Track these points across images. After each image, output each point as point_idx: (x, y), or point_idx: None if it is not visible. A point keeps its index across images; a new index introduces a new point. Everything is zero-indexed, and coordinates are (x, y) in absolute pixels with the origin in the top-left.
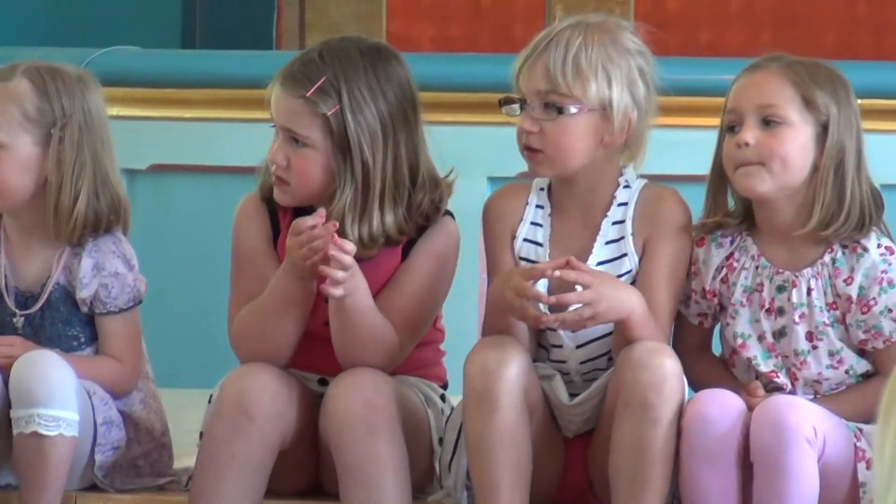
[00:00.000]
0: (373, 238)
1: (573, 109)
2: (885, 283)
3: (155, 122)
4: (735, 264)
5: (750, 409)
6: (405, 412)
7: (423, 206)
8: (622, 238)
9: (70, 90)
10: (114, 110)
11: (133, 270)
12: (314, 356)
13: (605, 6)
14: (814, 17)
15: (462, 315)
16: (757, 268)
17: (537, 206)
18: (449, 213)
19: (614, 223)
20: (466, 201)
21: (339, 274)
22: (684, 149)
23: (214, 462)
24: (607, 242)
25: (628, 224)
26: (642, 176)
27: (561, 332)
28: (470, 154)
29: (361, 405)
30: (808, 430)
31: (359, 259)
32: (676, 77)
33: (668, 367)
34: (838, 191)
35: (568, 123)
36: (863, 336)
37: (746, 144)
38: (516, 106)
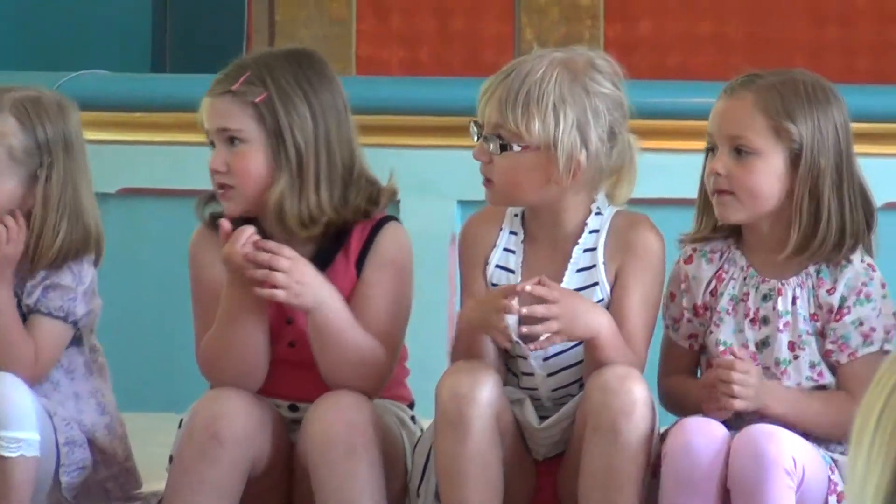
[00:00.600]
0: (312, 218)
1: (516, 147)
2: (862, 296)
3: (125, 146)
4: (724, 276)
5: (722, 367)
6: (384, 435)
7: (358, 199)
8: (594, 266)
9: (54, 123)
10: (83, 134)
11: (79, 288)
12: (282, 382)
13: (575, 30)
14: (784, 41)
15: (431, 337)
16: (745, 278)
17: (511, 233)
18: (395, 218)
19: (586, 250)
20: (436, 225)
21: (261, 272)
22: (656, 172)
23: (184, 488)
24: (578, 270)
25: (600, 251)
26: None
27: (532, 360)
28: (440, 177)
29: (343, 427)
30: (787, 461)
31: (316, 265)
32: (647, 101)
33: (637, 393)
34: (814, 215)
35: (513, 159)
36: (829, 346)
37: (718, 174)
38: (475, 131)
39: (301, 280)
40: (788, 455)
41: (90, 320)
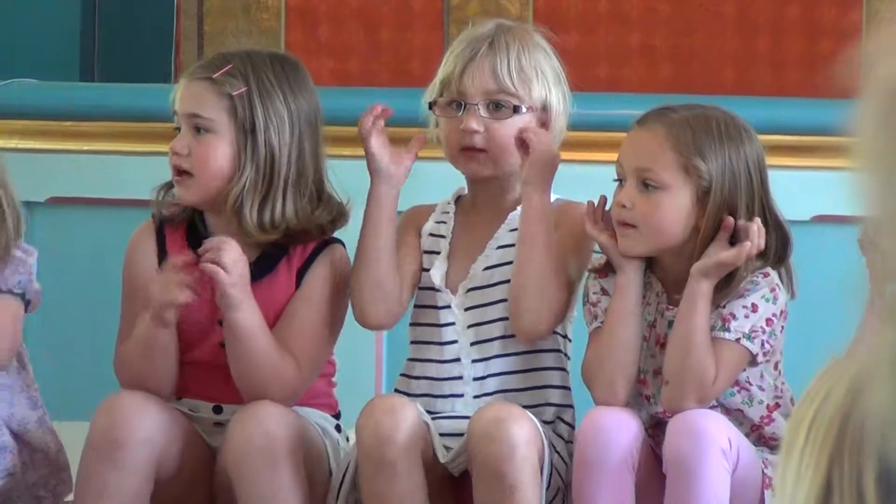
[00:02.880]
0: (274, 224)
1: (524, 110)
2: (739, 297)
3: (53, 155)
4: (642, 301)
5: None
6: (306, 444)
7: (322, 216)
8: (513, 245)
9: None
10: (12, 142)
11: (31, 259)
12: (207, 384)
13: None
14: (712, 53)
15: (360, 349)
16: (659, 304)
17: (443, 212)
18: (340, 241)
19: (512, 230)
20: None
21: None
22: (582, 183)
23: (89, 493)
24: (499, 247)
25: None
26: None
27: (454, 307)
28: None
29: (263, 438)
30: (723, 440)
31: (255, 279)
32: (576, 112)
33: (515, 436)
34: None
35: (513, 125)
36: None
37: (623, 206)
38: (460, 104)
39: (241, 272)
40: (724, 435)
41: (35, 304)
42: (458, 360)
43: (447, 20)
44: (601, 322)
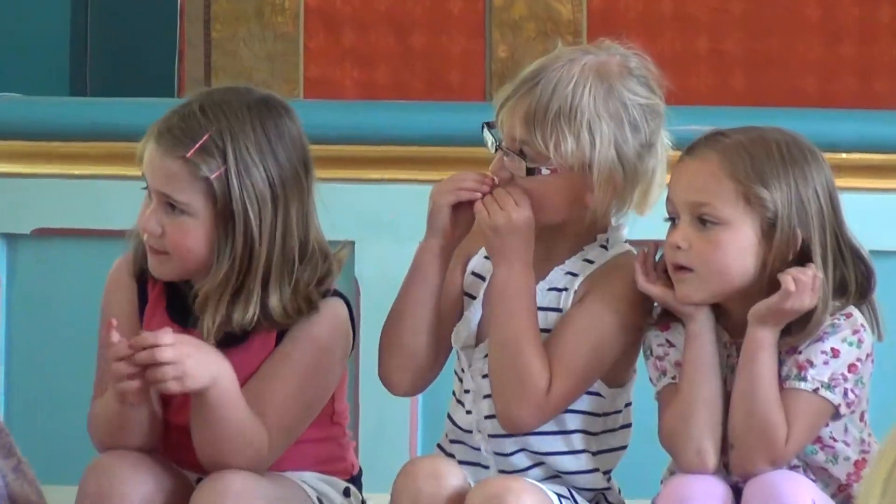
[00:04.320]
0: (244, 324)
1: (545, 171)
2: (817, 340)
3: (39, 180)
4: None
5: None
6: None
7: (310, 285)
8: (566, 290)
9: None
10: None
11: None
12: (190, 452)
13: (554, 47)
14: (792, 59)
15: (391, 403)
16: (729, 357)
17: None
18: (339, 294)
19: (567, 273)
20: (395, 270)
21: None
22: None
23: None
24: (550, 289)
25: (579, 280)
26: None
27: (468, 373)
28: (400, 216)
29: None
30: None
31: (228, 344)
32: None
33: None
34: None
35: (539, 182)
36: None
37: (678, 247)
38: (491, 141)
39: (191, 364)
40: (808, 498)
41: None
42: (470, 431)
43: (489, 23)
44: (672, 378)
